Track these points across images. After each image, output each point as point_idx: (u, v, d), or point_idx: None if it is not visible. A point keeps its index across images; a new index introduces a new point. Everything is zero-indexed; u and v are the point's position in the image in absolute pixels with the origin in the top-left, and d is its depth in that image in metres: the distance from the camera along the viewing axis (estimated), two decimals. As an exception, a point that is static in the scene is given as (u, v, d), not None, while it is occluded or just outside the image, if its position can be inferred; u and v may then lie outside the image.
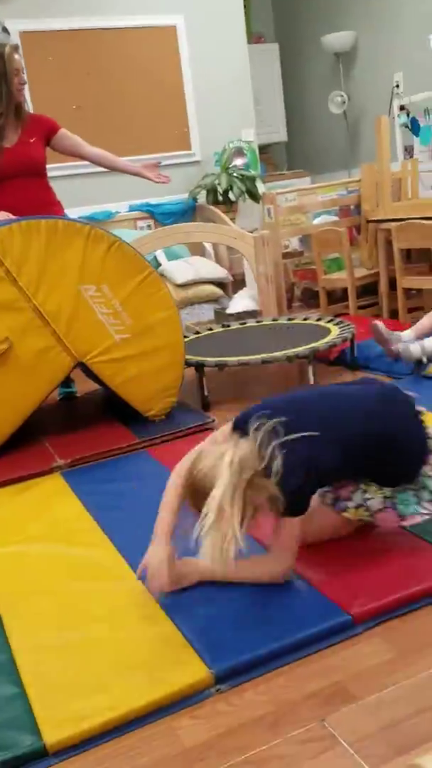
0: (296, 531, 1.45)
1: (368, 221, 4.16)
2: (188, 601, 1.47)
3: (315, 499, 1.54)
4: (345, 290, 4.01)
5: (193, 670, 1.26)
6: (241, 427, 1.43)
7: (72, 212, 3.38)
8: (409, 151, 4.57)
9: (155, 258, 4.36)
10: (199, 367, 2.85)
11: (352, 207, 4.30)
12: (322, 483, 1.55)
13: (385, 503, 1.55)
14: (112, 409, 2.84)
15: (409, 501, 1.54)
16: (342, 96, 5.43)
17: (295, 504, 1.42)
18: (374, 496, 1.54)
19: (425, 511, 1.54)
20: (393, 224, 3.75)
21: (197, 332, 3.47)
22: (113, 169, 3.10)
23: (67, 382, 3.10)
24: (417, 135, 4.29)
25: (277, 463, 1.35)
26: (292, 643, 1.31)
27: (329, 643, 1.32)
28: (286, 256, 4.37)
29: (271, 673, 1.27)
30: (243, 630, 1.36)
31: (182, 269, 4.31)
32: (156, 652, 1.34)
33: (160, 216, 4.62)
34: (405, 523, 1.59)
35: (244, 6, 4.89)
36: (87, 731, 1.17)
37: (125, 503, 2.04)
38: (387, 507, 1.55)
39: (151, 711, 1.21)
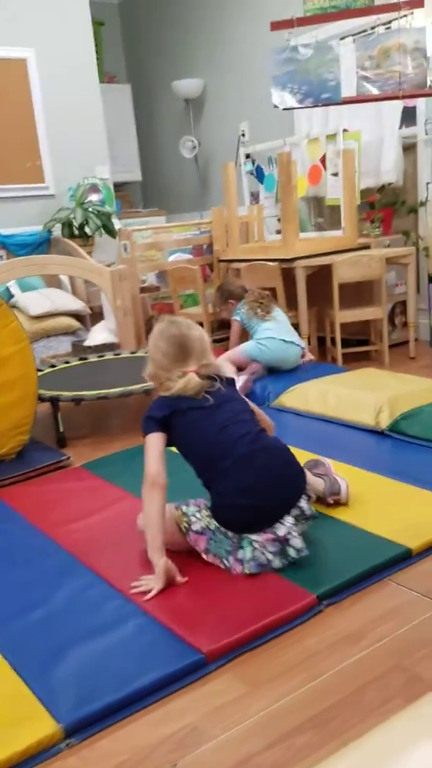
0: (147, 450, 1.73)
1: (219, 260, 4.35)
2: (36, 656, 1.41)
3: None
4: (201, 324, 4.13)
5: (41, 726, 1.20)
6: None
7: None
8: (255, 196, 4.84)
9: (7, 289, 4.22)
10: (54, 401, 2.78)
11: (204, 246, 4.46)
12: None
13: (204, 531, 1.67)
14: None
15: (221, 546, 1.65)
16: (192, 141, 5.65)
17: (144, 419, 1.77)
18: (202, 519, 1.68)
19: (227, 564, 1.64)
20: (242, 264, 3.94)
21: (53, 365, 3.38)
22: None
23: None
24: (262, 182, 4.56)
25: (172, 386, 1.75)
26: (145, 687, 1.28)
27: (183, 683, 1.31)
28: (143, 290, 4.42)
29: (125, 720, 1.24)
30: (93, 678, 1.31)
31: (37, 301, 4.20)
32: (2, 711, 1.25)
33: (13, 247, 4.49)
34: (204, 556, 1.68)
35: (96, 45, 4.96)
36: None
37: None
38: (203, 534, 1.67)
39: (-2, 775, 1.13)
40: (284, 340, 3.31)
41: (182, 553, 1.74)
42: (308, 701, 1.24)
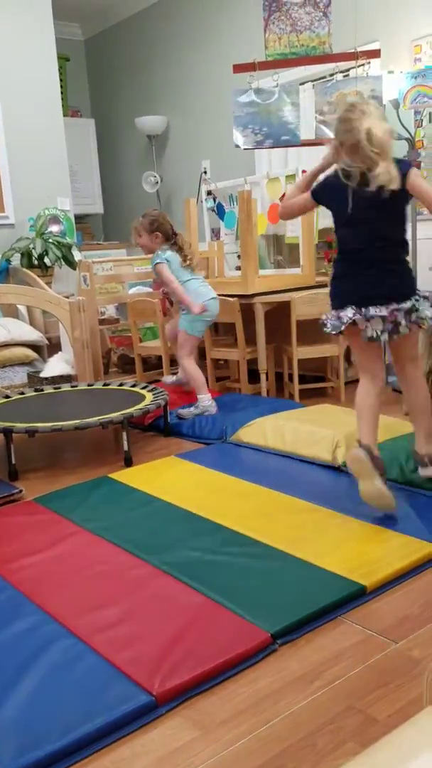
0: None
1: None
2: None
3: None
4: (160, 357, 4.12)
5: (-20, 780, 1.13)
6: None
7: None
8: (216, 233, 4.91)
9: (-38, 319, 4.14)
10: (7, 432, 2.71)
11: (165, 280, 4.47)
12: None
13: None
14: None
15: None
16: (155, 176, 5.73)
17: None
18: None
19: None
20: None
21: (7, 396, 3.32)
22: None
23: None
24: (222, 219, 4.63)
25: None
26: (92, 732, 1.23)
27: (132, 728, 1.26)
28: (102, 322, 4.39)
29: (69, 768, 1.19)
30: (38, 723, 1.25)
31: (-8, 331, 4.13)
32: None
33: (-31, 276, 4.42)
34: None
35: (61, 79, 5.01)
36: None
37: None
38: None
39: None
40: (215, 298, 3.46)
41: (136, 591, 1.70)
42: (259, 747, 1.21)
